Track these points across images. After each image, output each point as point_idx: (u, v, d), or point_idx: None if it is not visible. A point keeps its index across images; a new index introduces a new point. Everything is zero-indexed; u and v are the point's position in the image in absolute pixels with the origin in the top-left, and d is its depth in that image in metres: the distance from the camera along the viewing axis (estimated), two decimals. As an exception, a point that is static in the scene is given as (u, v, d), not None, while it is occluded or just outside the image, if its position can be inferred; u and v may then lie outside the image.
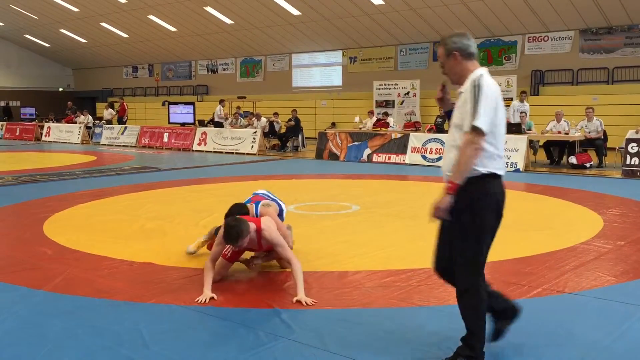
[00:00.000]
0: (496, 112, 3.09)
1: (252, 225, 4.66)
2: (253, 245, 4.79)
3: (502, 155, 3.22)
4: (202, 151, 18.80)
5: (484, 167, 3.12)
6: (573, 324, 4.00)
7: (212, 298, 4.42)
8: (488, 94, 3.04)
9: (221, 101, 21.30)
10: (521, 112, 15.31)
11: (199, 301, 4.38)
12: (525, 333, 3.80)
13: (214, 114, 21.01)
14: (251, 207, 5.27)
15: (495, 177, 3.17)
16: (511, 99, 19.55)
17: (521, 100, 15.79)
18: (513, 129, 14.26)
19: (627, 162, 12.15)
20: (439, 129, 15.96)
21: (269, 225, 4.72)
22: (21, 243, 6.33)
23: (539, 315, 4.14)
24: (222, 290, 4.61)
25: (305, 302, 4.30)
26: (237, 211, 5.08)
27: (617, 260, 5.61)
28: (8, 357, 3.51)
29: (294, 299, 4.36)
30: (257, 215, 5.09)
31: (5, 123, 27.01)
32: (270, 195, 5.76)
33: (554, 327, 3.92)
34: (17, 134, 25.57)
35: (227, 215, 5.06)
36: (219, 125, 20.04)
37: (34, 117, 27.35)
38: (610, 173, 12.61)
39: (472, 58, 3.16)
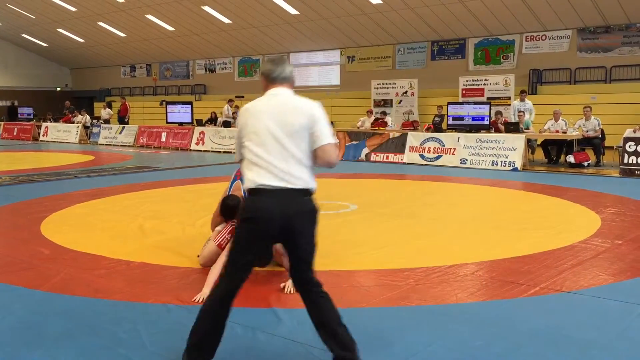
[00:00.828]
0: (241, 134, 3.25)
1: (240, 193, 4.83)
2: None
3: (268, 166, 3.12)
4: (200, 151, 18.79)
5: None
6: (571, 322, 4.00)
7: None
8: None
9: (229, 101, 21.28)
10: (519, 111, 15.31)
11: (196, 300, 4.38)
12: (523, 332, 3.80)
13: (221, 113, 20.95)
14: (239, 184, 5.27)
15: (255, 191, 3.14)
16: (509, 98, 19.59)
17: (521, 100, 15.79)
18: (511, 128, 14.28)
19: (625, 161, 12.16)
20: (437, 128, 15.96)
21: None
22: (18, 243, 6.32)
23: (536, 314, 4.14)
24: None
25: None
26: (232, 201, 5.11)
27: (614, 259, 5.62)
28: (5, 356, 3.50)
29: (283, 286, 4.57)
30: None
31: (2, 123, 26.96)
32: None
33: (552, 326, 3.92)
34: (15, 133, 25.53)
35: (222, 207, 5.16)
36: (227, 124, 20.00)
37: (32, 116, 27.30)
38: (608, 172, 12.62)
39: (274, 82, 3.28)
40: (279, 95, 3.23)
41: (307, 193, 3.17)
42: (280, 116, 3.13)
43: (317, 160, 3.20)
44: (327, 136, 3.17)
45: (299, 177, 3.12)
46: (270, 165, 3.08)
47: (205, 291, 4.47)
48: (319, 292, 3.24)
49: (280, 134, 3.10)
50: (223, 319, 3.20)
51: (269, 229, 3.09)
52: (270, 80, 3.27)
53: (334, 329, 3.17)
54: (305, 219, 3.16)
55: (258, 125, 3.14)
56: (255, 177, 3.10)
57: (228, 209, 5.06)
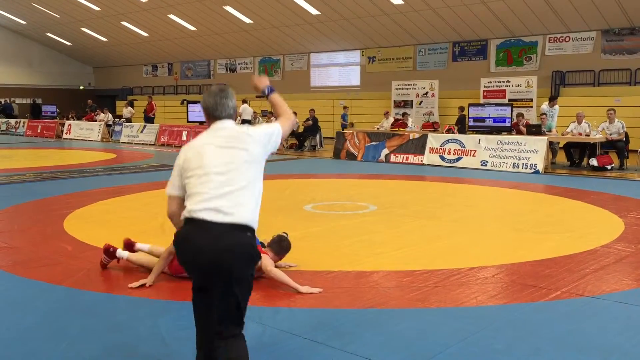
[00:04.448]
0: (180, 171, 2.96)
1: None
2: None
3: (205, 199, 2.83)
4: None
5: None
6: (593, 327, 3.95)
7: (143, 285, 4.69)
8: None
9: (244, 101, 21.41)
10: (541, 114, 15.16)
11: (131, 287, 4.65)
12: (544, 336, 3.77)
13: (240, 113, 21.07)
14: None
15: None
16: (531, 100, 19.40)
17: (551, 107, 15.62)
18: (533, 130, 14.14)
19: (649, 165, 11.96)
20: (461, 129, 15.85)
21: None
22: (42, 239, 6.42)
23: (557, 319, 4.10)
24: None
25: (312, 292, 4.56)
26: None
27: (638, 263, 5.53)
28: (29, 351, 3.55)
29: (300, 289, 4.56)
30: None
31: (27, 120, 27.37)
32: None
33: (573, 330, 3.88)
34: (39, 131, 25.90)
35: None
36: (247, 122, 20.09)
37: (55, 114, 27.68)
38: (631, 175, 12.44)
39: (218, 118, 3.02)
40: (225, 129, 2.99)
41: (245, 229, 2.83)
42: (224, 150, 2.90)
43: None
44: (272, 128, 3.05)
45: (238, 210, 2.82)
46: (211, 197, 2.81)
47: (149, 279, 4.70)
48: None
49: (223, 169, 2.85)
50: None
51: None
52: (213, 117, 3.03)
53: None
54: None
55: (202, 161, 2.88)
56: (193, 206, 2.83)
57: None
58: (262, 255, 4.83)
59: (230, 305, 2.78)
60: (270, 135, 3.04)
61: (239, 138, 2.95)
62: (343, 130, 18.17)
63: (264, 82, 3.28)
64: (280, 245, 4.98)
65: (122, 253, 5.22)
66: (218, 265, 2.72)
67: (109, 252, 5.22)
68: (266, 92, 3.27)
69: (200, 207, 2.77)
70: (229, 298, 2.77)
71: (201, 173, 2.85)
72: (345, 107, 22.36)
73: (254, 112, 21.25)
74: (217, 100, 3.01)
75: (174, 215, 2.99)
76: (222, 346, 2.80)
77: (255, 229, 2.86)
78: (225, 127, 3.01)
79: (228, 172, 2.84)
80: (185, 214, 2.84)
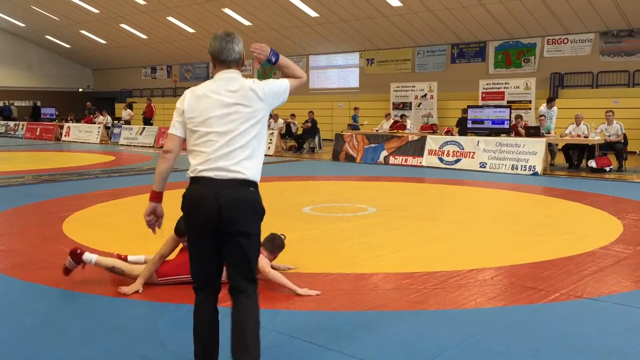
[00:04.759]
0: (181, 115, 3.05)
1: None
2: None
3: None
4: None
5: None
6: (592, 329, 3.95)
7: (137, 291, 4.56)
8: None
9: None
10: (540, 116, 15.18)
11: (122, 292, 4.52)
12: (543, 338, 3.77)
13: None
14: None
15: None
16: (530, 102, 19.43)
17: (549, 108, 15.64)
18: (532, 132, 14.16)
19: (648, 166, 11.98)
20: (461, 131, 15.85)
21: None
22: (41, 241, 6.41)
23: (556, 321, 4.10)
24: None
25: (310, 294, 4.52)
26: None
27: (637, 265, 5.54)
28: (27, 354, 3.55)
29: (299, 291, 4.53)
30: None
31: (26, 123, 27.37)
32: None
33: (572, 332, 3.88)
34: (38, 133, 25.90)
35: (177, 227, 4.77)
36: None
37: (54, 117, 27.69)
38: (630, 177, 12.45)
39: (222, 64, 3.06)
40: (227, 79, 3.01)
41: (248, 183, 2.94)
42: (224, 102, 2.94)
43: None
44: (281, 87, 3.08)
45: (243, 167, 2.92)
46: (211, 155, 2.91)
47: (137, 284, 4.59)
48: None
49: (225, 128, 2.92)
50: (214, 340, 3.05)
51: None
52: (220, 62, 3.04)
53: (240, 336, 2.90)
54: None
55: (204, 114, 2.95)
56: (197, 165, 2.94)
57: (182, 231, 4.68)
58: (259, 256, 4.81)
59: (236, 256, 2.90)
60: (279, 95, 3.08)
61: (244, 95, 2.96)
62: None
63: (265, 49, 3.18)
64: (273, 244, 4.94)
65: (89, 256, 4.82)
66: (223, 218, 2.84)
67: (76, 254, 4.76)
68: (273, 59, 3.20)
69: (205, 168, 2.89)
70: (235, 248, 2.89)
71: (203, 131, 2.94)
72: (356, 109, 22.29)
73: None
74: (222, 44, 3.03)
75: (170, 150, 3.05)
76: (235, 304, 2.94)
77: (257, 184, 2.97)
78: (230, 78, 3.01)
79: (230, 131, 2.92)
80: (190, 173, 2.95)
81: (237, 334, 2.91)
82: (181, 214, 3.08)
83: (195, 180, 2.93)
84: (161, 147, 20.71)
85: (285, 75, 3.22)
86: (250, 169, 2.92)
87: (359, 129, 20.07)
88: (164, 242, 4.82)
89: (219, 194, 2.84)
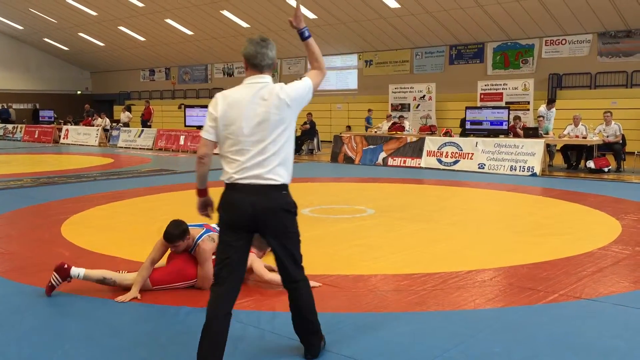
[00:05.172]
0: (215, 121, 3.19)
1: (194, 234, 4.74)
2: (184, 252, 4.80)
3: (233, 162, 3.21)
4: (218, 154, 18.86)
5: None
6: (590, 330, 3.95)
7: (135, 298, 4.51)
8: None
9: None
10: (539, 117, 15.19)
11: (119, 300, 4.46)
12: (542, 339, 3.77)
13: None
14: (198, 230, 4.89)
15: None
16: (528, 103, 19.45)
17: (549, 109, 15.66)
18: (530, 132, 14.17)
19: (646, 167, 11.99)
20: (464, 131, 15.82)
21: (207, 244, 4.72)
22: (39, 244, 6.41)
23: (555, 321, 4.10)
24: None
25: None
26: (175, 225, 4.77)
27: (635, 266, 5.54)
28: (27, 356, 3.55)
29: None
30: (197, 241, 4.79)
31: (24, 125, 27.36)
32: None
33: (571, 333, 3.89)
34: (36, 136, 25.89)
35: (166, 231, 4.76)
36: None
37: (53, 119, 27.68)
38: (628, 178, 12.47)
39: (255, 68, 3.19)
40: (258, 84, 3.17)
41: (280, 188, 3.18)
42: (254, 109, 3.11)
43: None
44: (305, 89, 3.24)
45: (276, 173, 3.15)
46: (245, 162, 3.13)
47: (134, 292, 4.53)
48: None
49: (257, 138, 3.12)
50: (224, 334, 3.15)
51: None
52: (253, 66, 3.18)
53: (306, 316, 3.35)
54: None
55: (236, 122, 3.12)
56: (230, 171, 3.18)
57: (172, 236, 4.70)
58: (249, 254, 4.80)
59: (282, 254, 3.25)
60: (303, 97, 3.24)
61: (274, 103, 3.11)
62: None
63: (301, 20, 3.37)
64: (261, 241, 4.88)
65: (77, 271, 4.63)
66: (260, 224, 3.15)
67: (63, 269, 4.57)
68: (306, 33, 3.37)
69: (240, 176, 3.13)
70: (278, 248, 3.24)
71: (236, 139, 3.12)
72: (369, 110, 22.22)
73: None
74: (257, 49, 3.16)
75: (205, 155, 3.27)
76: (292, 293, 3.33)
77: (288, 185, 3.22)
78: (261, 84, 3.15)
79: (263, 140, 3.10)
80: (225, 180, 3.20)
81: (303, 316, 3.35)
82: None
83: (231, 186, 3.17)
84: (160, 149, 20.71)
85: (310, 60, 3.42)
86: (283, 175, 3.16)
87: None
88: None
89: (254, 202, 3.10)
